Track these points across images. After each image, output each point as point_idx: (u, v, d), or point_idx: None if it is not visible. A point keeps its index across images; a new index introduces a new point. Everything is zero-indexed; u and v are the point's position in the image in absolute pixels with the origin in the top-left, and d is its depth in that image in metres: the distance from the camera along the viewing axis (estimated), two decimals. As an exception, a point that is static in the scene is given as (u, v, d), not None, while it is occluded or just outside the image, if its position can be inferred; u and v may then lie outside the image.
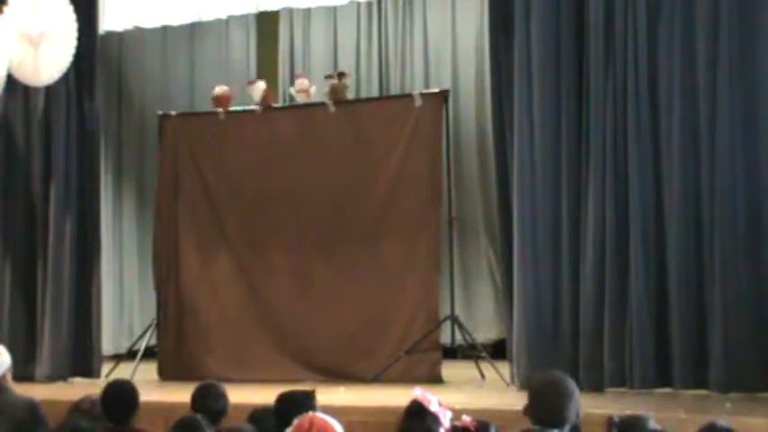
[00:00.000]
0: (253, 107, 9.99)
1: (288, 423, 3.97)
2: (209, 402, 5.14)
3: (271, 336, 9.65)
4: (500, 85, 8.59)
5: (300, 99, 9.96)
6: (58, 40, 9.08)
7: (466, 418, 4.09)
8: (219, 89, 10.11)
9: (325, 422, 3.87)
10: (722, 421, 4.14)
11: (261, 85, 10.02)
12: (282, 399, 4.76)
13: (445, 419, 4.09)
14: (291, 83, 10.50)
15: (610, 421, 4.19)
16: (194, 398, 5.24)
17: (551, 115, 8.19)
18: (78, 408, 5.15)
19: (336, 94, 9.61)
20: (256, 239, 9.82)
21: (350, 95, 10.03)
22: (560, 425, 3.97)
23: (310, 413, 3.97)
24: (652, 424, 4.22)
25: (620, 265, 7.89)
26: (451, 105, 9.91)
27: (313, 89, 9.91)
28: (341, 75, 9.84)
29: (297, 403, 4.55)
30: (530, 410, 4.04)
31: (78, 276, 9.90)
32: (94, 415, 5.07)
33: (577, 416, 3.99)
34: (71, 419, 4.96)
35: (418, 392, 4.15)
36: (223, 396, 5.25)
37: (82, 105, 10.05)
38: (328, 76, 9.84)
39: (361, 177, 9.48)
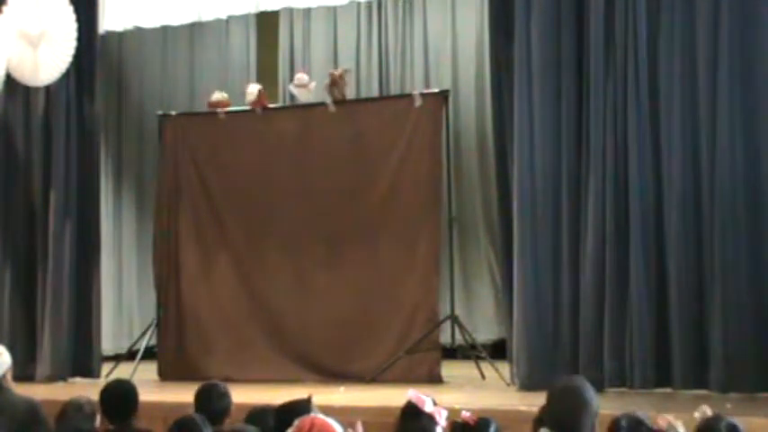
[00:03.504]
0: (253, 107, 9.99)
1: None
2: (212, 402, 5.12)
3: (270, 336, 9.65)
4: (500, 85, 8.60)
5: (300, 94, 9.94)
6: (58, 40, 9.09)
7: (466, 414, 4.09)
8: (217, 95, 10.09)
9: (326, 423, 3.87)
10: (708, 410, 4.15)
11: (252, 89, 9.99)
12: (282, 410, 4.73)
13: (441, 419, 4.10)
14: (291, 82, 10.49)
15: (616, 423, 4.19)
16: (197, 398, 5.23)
17: (551, 115, 8.19)
18: (69, 410, 5.13)
19: (336, 85, 9.61)
20: (256, 239, 9.82)
21: (350, 95, 10.03)
22: None
23: (311, 414, 3.96)
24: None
25: (619, 266, 7.89)
26: (451, 105, 9.91)
27: (312, 84, 9.90)
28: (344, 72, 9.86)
29: (296, 414, 4.50)
30: (546, 415, 4.00)
31: (78, 277, 9.91)
32: (86, 416, 5.06)
33: (593, 426, 3.96)
34: (68, 420, 4.95)
35: (412, 394, 4.15)
36: (226, 396, 5.24)
37: (82, 106, 10.05)
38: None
39: (361, 177, 9.48)
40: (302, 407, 4.50)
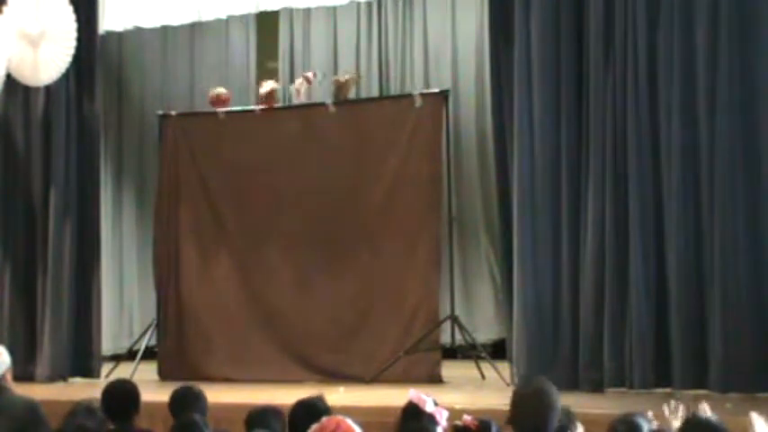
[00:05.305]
0: (253, 107, 9.99)
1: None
2: (187, 406, 5.06)
3: (271, 336, 9.65)
4: (500, 85, 8.60)
5: (302, 87, 9.93)
6: (58, 40, 9.09)
7: (467, 417, 4.08)
8: (216, 91, 10.08)
9: (351, 428, 3.80)
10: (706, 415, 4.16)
11: (267, 86, 10.00)
12: (298, 407, 4.70)
13: (442, 419, 4.10)
14: (292, 83, 10.49)
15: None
16: (171, 404, 5.19)
17: (551, 115, 8.19)
18: (78, 410, 5.13)
19: (341, 91, 9.64)
20: (256, 239, 9.81)
21: (350, 95, 10.03)
22: None
23: (339, 416, 3.89)
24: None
25: (619, 266, 7.90)
26: (451, 105, 9.90)
27: (311, 75, 9.91)
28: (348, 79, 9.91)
29: (313, 412, 4.44)
30: (512, 421, 4.00)
31: (78, 277, 9.91)
32: (95, 417, 5.06)
33: (559, 423, 3.97)
34: (73, 419, 4.94)
35: (413, 394, 4.15)
36: (200, 397, 5.20)
37: (82, 106, 10.06)
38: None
39: (362, 177, 9.48)
40: (320, 408, 4.48)
